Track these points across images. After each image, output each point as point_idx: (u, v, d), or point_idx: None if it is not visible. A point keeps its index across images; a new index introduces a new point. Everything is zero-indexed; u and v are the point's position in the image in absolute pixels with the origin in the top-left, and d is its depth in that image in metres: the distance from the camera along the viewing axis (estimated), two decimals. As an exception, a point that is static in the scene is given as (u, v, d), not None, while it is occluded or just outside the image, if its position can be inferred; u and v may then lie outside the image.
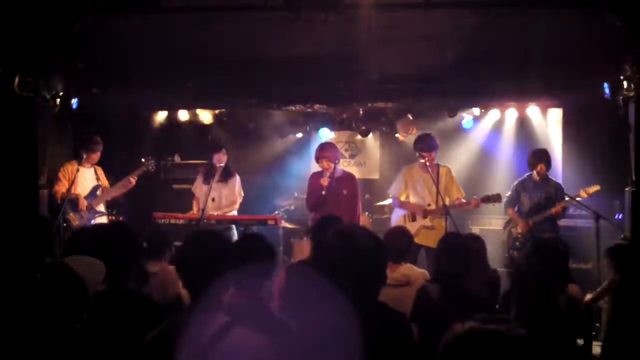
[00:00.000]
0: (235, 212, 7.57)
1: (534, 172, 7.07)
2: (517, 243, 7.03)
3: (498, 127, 9.20)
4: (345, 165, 9.40)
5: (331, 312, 2.34)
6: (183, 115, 8.98)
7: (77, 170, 7.19)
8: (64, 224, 6.89)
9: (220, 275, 2.60)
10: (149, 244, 4.74)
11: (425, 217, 6.82)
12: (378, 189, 9.61)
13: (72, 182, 7.13)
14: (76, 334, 2.24)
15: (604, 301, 4.88)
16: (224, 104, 8.69)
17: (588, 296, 4.88)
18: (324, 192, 6.69)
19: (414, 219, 6.89)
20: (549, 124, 9.03)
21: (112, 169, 7.93)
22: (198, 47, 6.44)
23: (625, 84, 6.04)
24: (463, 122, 8.95)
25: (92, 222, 7.20)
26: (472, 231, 8.13)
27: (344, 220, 6.11)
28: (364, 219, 8.34)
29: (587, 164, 7.94)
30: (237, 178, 7.64)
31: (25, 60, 5.87)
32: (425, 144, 6.85)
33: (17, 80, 5.83)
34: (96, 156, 7.45)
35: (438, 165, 6.86)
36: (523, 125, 9.02)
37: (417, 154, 6.84)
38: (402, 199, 7.08)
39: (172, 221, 7.24)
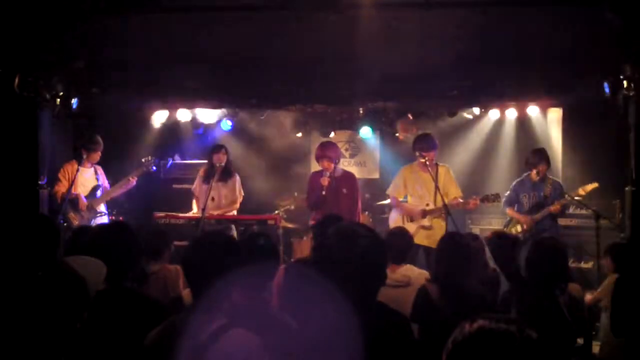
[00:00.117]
0: (235, 212, 7.58)
1: (534, 171, 7.06)
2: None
3: (498, 126, 9.20)
4: (346, 165, 9.40)
5: (331, 311, 2.33)
6: (183, 114, 8.98)
7: (77, 170, 7.19)
8: (64, 224, 6.90)
9: (224, 275, 2.60)
10: (148, 244, 4.75)
11: (423, 217, 6.81)
12: (378, 188, 9.60)
13: (72, 182, 7.13)
14: (77, 333, 2.24)
15: (604, 299, 4.88)
16: (224, 103, 8.69)
17: (588, 296, 4.88)
18: (324, 192, 6.69)
19: (412, 219, 6.89)
20: (549, 123, 9.04)
21: (112, 168, 7.93)
22: (198, 46, 6.43)
23: (625, 83, 6.04)
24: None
25: (93, 222, 7.20)
26: (472, 231, 8.14)
27: (345, 219, 6.13)
28: (364, 219, 8.34)
29: (587, 163, 7.94)
30: (237, 178, 7.65)
31: (25, 60, 5.88)
32: (425, 144, 6.86)
33: (17, 80, 5.84)
34: (97, 155, 7.45)
35: (437, 165, 6.87)
36: (523, 124, 9.03)
37: (417, 154, 6.84)
38: (401, 198, 7.09)
39: (172, 221, 7.25)
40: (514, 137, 9.13)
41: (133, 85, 7.40)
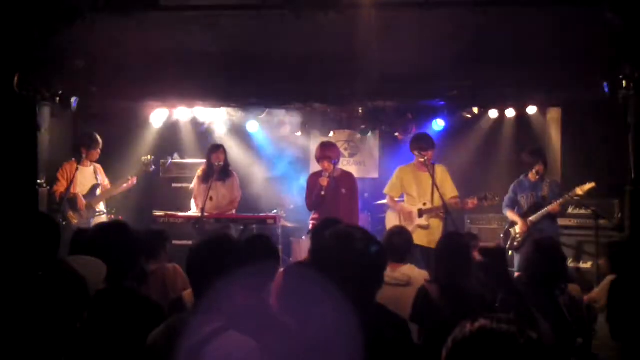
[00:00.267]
0: (234, 211, 7.58)
1: (533, 171, 7.06)
2: (515, 243, 7.03)
3: (497, 126, 9.20)
4: (345, 164, 9.40)
5: (329, 313, 2.34)
6: (182, 113, 8.98)
7: (76, 170, 7.19)
8: (64, 223, 6.90)
9: (225, 276, 2.60)
10: (145, 244, 4.75)
11: (420, 216, 6.81)
12: (377, 188, 9.60)
13: (71, 182, 7.13)
14: (77, 333, 2.24)
15: (602, 299, 4.88)
16: (224, 102, 8.68)
17: (585, 297, 4.88)
18: (323, 192, 6.69)
19: (405, 218, 6.88)
20: (548, 123, 9.04)
21: (112, 168, 7.93)
22: (197, 45, 6.43)
23: (624, 83, 6.04)
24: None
25: (92, 221, 7.20)
26: (471, 231, 8.15)
27: (343, 221, 6.13)
28: (363, 218, 8.34)
29: (586, 163, 7.95)
30: (236, 177, 7.66)
31: (24, 59, 5.86)
32: (423, 143, 6.86)
33: (16, 79, 5.82)
34: (96, 154, 7.45)
35: (434, 165, 6.86)
36: (522, 124, 9.03)
37: (417, 153, 6.84)
38: (397, 198, 7.09)
39: (172, 220, 7.25)
40: (513, 137, 9.13)
41: (132, 84, 7.39)
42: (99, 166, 7.62)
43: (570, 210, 7.38)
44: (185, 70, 7.10)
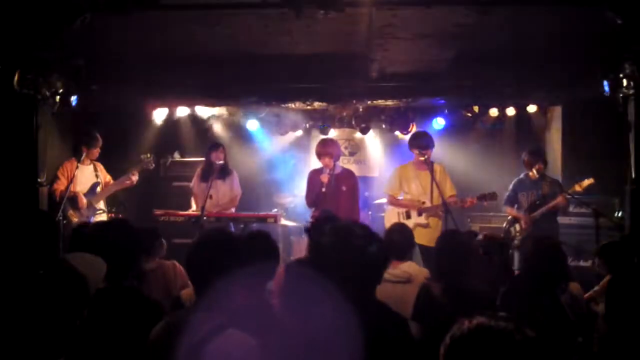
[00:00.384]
0: (233, 210, 7.58)
1: (534, 170, 7.06)
2: (515, 242, 7.04)
3: (498, 125, 9.20)
4: (345, 163, 9.40)
5: (330, 311, 2.34)
6: (182, 112, 8.98)
7: (77, 168, 7.19)
8: (64, 222, 6.90)
9: (225, 274, 2.60)
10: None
11: (419, 214, 6.81)
12: (377, 186, 9.61)
13: (71, 180, 7.13)
14: (77, 330, 2.25)
15: (600, 300, 4.88)
16: (223, 101, 8.68)
17: (585, 295, 4.88)
18: (323, 189, 6.68)
19: (408, 217, 6.88)
20: (548, 122, 9.04)
21: (112, 166, 7.93)
22: (197, 44, 6.43)
23: (624, 82, 6.04)
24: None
25: (92, 219, 7.20)
26: (472, 229, 8.15)
27: (342, 218, 6.13)
28: (363, 217, 8.34)
29: (587, 162, 7.94)
30: (235, 175, 7.66)
31: (25, 57, 5.87)
32: (423, 141, 6.86)
33: (16, 77, 5.83)
34: (96, 152, 7.46)
35: (432, 163, 6.85)
36: (523, 123, 9.03)
37: (417, 152, 6.82)
38: (397, 197, 7.08)
39: (172, 218, 7.26)
40: (514, 136, 9.13)
41: (132, 82, 7.39)
42: (99, 164, 7.62)
43: (570, 208, 7.38)
44: (186, 69, 7.10)
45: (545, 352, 1.56)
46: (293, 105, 8.80)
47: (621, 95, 6.17)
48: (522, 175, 7.27)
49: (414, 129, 8.70)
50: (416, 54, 6.62)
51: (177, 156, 9.23)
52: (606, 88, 6.36)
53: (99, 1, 5.36)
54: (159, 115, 8.97)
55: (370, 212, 9.03)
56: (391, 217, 7.02)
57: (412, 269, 4.56)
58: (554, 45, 6.28)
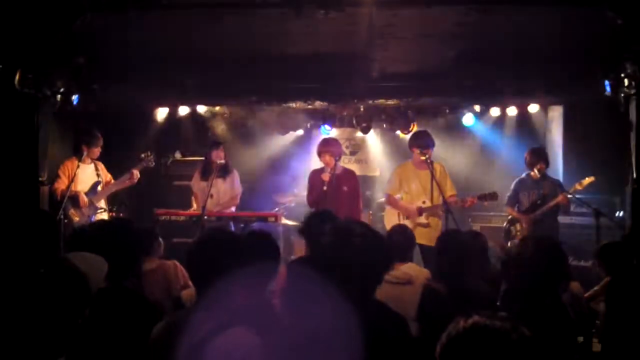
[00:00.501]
0: (234, 208, 7.58)
1: (535, 169, 7.06)
2: (516, 241, 7.03)
3: (499, 124, 9.20)
4: (346, 162, 9.40)
5: (331, 310, 2.34)
6: (183, 111, 8.98)
7: (78, 167, 7.19)
8: (65, 221, 6.90)
9: (226, 273, 2.60)
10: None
11: (420, 214, 6.80)
12: (378, 185, 9.61)
13: (72, 179, 7.13)
14: (78, 330, 2.25)
15: (600, 299, 4.88)
16: (224, 100, 8.69)
17: (585, 295, 4.89)
18: (325, 188, 6.68)
19: (408, 217, 6.86)
20: (549, 121, 9.03)
21: (113, 165, 7.93)
22: (198, 43, 6.43)
23: (626, 81, 6.04)
24: (464, 119, 8.91)
25: (93, 218, 7.21)
26: (472, 228, 8.15)
27: (336, 215, 6.13)
28: (364, 217, 8.34)
29: (588, 161, 7.94)
30: (236, 174, 7.66)
31: (26, 56, 5.87)
32: (424, 141, 6.84)
33: (17, 76, 5.83)
34: (97, 150, 7.45)
35: (432, 162, 6.82)
36: (524, 122, 9.02)
37: (418, 151, 6.79)
38: (396, 196, 7.06)
39: (173, 218, 7.26)
40: (515, 135, 9.12)
41: (134, 81, 7.40)
42: (100, 163, 7.62)
43: (571, 208, 7.38)
44: (186, 68, 7.10)
45: (541, 351, 1.56)
46: (294, 105, 8.80)
47: (622, 95, 6.17)
48: (523, 175, 7.27)
49: (414, 128, 8.69)
50: (417, 54, 6.63)
51: (178, 155, 9.23)
52: (607, 88, 6.36)
53: (99, 1, 5.37)
54: (160, 114, 8.97)
55: (371, 212, 9.02)
56: (391, 216, 7.00)
57: (413, 270, 4.55)
58: (554, 45, 6.28)
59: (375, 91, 8.03)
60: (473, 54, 6.50)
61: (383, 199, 8.76)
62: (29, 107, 6.18)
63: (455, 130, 9.22)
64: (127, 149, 8.70)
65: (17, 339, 2.07)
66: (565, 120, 8.86)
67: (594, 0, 5.37)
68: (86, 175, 7.41)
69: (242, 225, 7.28)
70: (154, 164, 7.81)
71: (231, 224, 7.32)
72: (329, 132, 9.32)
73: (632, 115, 6.16)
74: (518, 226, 7.06)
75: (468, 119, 8.90)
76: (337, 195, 6.73)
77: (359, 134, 9.73)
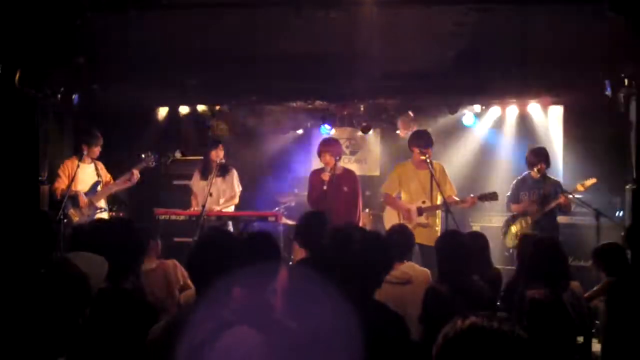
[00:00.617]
0: (233, 207, 7.57)
1: (534, 169, 7.06)
2: (516, 241, 7.03)
3: (499, 124, 9.19)
4: (346, 162, 9.39)
5: (332, 311, 2.34)
6: (183, 110, 8.98)
7: (78, 167, 7.19)
8: (65, 220, 6.90)
9: (228, 273, 2.60)
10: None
11: (420, 214, 6.78)
12: (378, 185, 9.60)
13: (72, 179, 7.13)
14: (79, 330, 2.25)
15: (599, 300, 4.88)
16: (224, 100, 8.68)
17: (585, 295, 4.88)
18: (325, 187, 6.68)
19: (407, 218, 6.85)
20: (550, 121, 9.03)
21: (113, 165, 7.93)
22: (198, 43, 6.43)
23: (626, 81, 6.05)
24: (464, 119, 8.91)
25: (93, 218, 7.20)
26: (472, 228, 8.14)
27: (335, 215, 6.13)
28: (364, 217, 8.33)
29: (588, 161, 7.94)
30: (235, 173, 7.65)
31: (26, 56, 5.87)
32: (424, 140, 6.82)
33: (18, 76, 5.83)
34: (97, 150, 7.45)
35: (432, 162, 6.80)
36: (524, 122, 9.01)
37: (418, 151, 6.77)
38: (393, 195, 7.05)
39: (173, 217, 7.24)
40: (515, 135, 9.12)
41: (134, 81, 7.40)
42: (100, 163, 7.61)
43: (572, 208, 7.38)
44: (187, 68, 7.10)
45: (538, 353, 1.56)
46: (294, 104, 8.79)
47: (622, 95, 6.18)
48: (524, 174, 7.27)
49: (414, 128, 8.68)
50: (417, 54, 6.62)
51: (177, 155, 9.23)
52: (608, 88, 6.36)
53: (99, 1, 5.37)
54: (160, 114, 8.97)
55: (371, 211, 9.01)
56: (391, 216, 6.99)
57: (412, 270, 4.55)
58: (555, 44, 6.29)
59: (375, 91, 8.03)
60: (473, 54, 6.50)
61: (382, 199, 8.79)
62: (29, 107, 6.18)
63: (455, 130, 9.21)
64: (127, 149, 8.69)
65: (17, 338, 2.07)
66: (565, 121, 8.86)
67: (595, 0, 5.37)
68: (86, 175, 7.41)
69: (242, 224, 7.27)
70: (154, 164, 7.81)
71: (230, 223, 7.31)
72: (329, 131, 9.33)
73: (632, 116, 6.16)
74: (518, 225, 7.05)
75: (468, 119, 8.90)
76: (337, 195, 6.73)
77: (359, 133, 9.73)
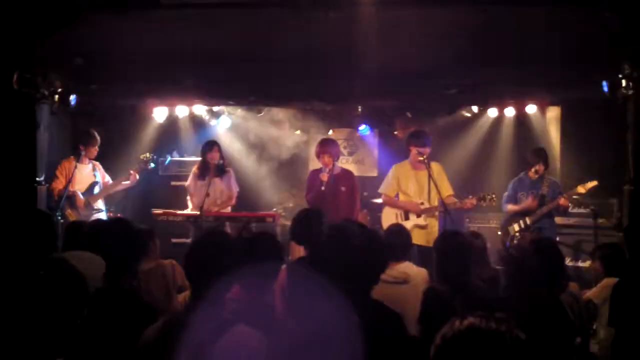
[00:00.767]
0: (229, 209, 7.56)
1: (532, 170, 7.06)
2: (514, 241, 7.03)
3: (497, 125, 9.20)
4: (344, 163, 9.39)
5: (332, 309, 2.34)
6: (181, 111, 8.97)
7: (75, 167, 7.19)
8: (62, 221, 6.89)
9: (227, 273, 2.60)
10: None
11: (419, 215, 6.77)
12: (376, 186, 9.59)
13: (69, 179, 7.12)
14: (77, 330, 2.25)
15: (598, 300, 4.89)
16: (223, 100, 8.68)
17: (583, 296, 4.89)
18: (323, 188, 6.69)
19: (406, 218, 6.83)
20: (547, 122, 9.04)
21: (110, 165, 7.93)
22: (196, 43, 6.43)
23: (623, 82, 6.05)
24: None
25: (91, 219, 7.19)
26: (470, 229, 8.14)
27: (333, 215, 6.14)
28: (362, 217, 8.34)
29: (585, 162, 7.95)
30: (232, 173, 7.65)
31: (24, 56, 5.87)
32: (421, 140, 6.80)
33: (15, 76, 5.83)
34: (94, 150, 7.45)
35: (429, 162, 6.78)
36: (521, 123, 9.02)
37: (416, 151, 6.75)
38: (392, 196, 7.04)
39: (171, 218, 7.24)
40: (513, 136, 9.12)
41: (131, 82, 7.40)
42: (97, 163, 7.61)
43: (569, 208, 7.39)
44: (185, 68, 7.10)
45: (535, 354, 1.56)
46: (292, 105, 8.79)
47: (620, 95, 6.18)
48: (521, 175, 7.27)
49: (412, 128, 8.68)
50: (415, 53, 6.61)
51: (175, 155, 9.22)
52: (605, 88, 6.36)
53: (98, 0, 5.37)
54: (158, 114, 8.96)
55: (368, 212, 9.01)
56: (389, 217, 6.97)
57: (410, 269, 4.55)
58: (553, 45, 6.29)
59: (373, 91, 8.03)
60: (471, 53, 6.50)
61: (380, 199, 8.78)
62: (27, 107, 6.18)
63: (454, 130, 9.21)
64: (125, 149, 8.69)
65: (16, 338, 2.07)
66: (563, 121, 8.86)
67: (593, 0, 5.38)
68: (84, 175, 7.41)
69: (240, 225, 7.26)
70: (153, 165, 7.80)
71: (226, 224, 7.31)
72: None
73: (630, 116, 6.17)
74: (516, 226, 7.06)
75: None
76: (336, 196, 6.74)
77: (357, 134, 9.72)
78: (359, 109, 8.94)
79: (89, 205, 7.33)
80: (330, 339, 2.27)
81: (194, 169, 7.66)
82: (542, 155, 7.12)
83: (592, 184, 6.84)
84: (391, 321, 2.63)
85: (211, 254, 2.69)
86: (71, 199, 7.19)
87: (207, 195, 7.07)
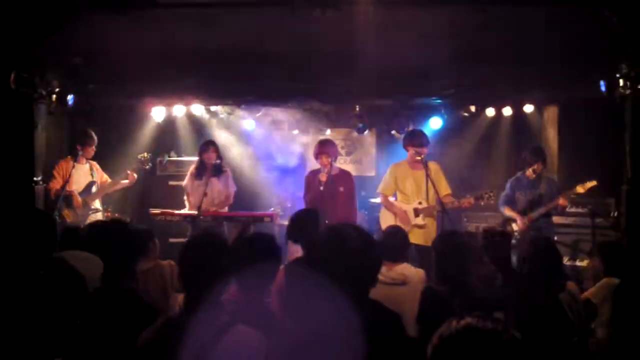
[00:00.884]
0: (226, 208, 7.56)
1: (530, 169, 7.07)
2: (513, 241, 7.02)
3: (494, 124, 9.20)
4: (342, 163, 9.39)
5: (331, 310, 2.34)
6: (179, 111, 8.96)
7: (72, 167, 7.18)
8: (59, 220, 6.88)
9: (223, 274, 2.59)
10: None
11: (416, 215, 6.77)
12: (374, 186, 9.58)
13: (66, 179, 7.12)
14: (75, 330, 2.24)
15: (596, 299, 4.89)
16: (221, 100, 8.67)
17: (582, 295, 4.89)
18: (321, 188, 6.69)
19: (402, 221, 6.83)
20: (545, 121, 9.05)
21: (108, 165, 7.92)
22: (195, 43, 6.42)
23: (621, 82, 6.05)
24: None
25: (87, 218, 7.19)
26: (468, 228, 8.15)
27: (332, 215, 6.14)
28: (360, 217, 8.33)
29: (583, 161, 7.95)
30: (229, 173, 7.64)
31: (21, 56, 5.85)
32: (419, 140, 6.80)
33: (13, 76, 5.81)
34: (91, 150, 7.45)
35: (427, 162, 6.77)
36: (519, 122, 9.03)
37: (414, 151, 6.75)
38: (390, 196, 7.04)
39: (168, 218, 7.24)
40: (510, 135, 9.13)
41: (129, 81, 7.39)
42: (95, 163, 7.61)
43: (567, 208, 7.39)
44: (182, 68, 7.09)
45: (532, 354, 1.56)
46: (290, 104, 8.79)
47: (618, 95, 6.18)
48: (519, 174, 7.26)
49: (410, 127, 8.68)
50: (413, 53, 6.61)
51: (173, 155, 9.22)
52: (603, 88, 6.36)
53: (96, 0, 5.36)
54: (156, 114, 8.95)
55: (366, 212, 9.01)
56: (387, 217, 6.97)
57: (408, 270, 4.55)
58: (551, 44, 6.30)
59: (371, 91, 8.03)
60: (470, 53, 6.50)
61: (378, 199, 8.77)
62: (24, 107, 6.16)
63: (451, 130, 9.21)
64: (122, 149, 8.68)
65: (15, 339, 2.06)
66: (560, 121, 8.87)
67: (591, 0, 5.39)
68: (81, 175, 7.40)
69: (240, 226, 7.26)
70: (150, 165, 7.80)
71: (224, 223, 7.30)
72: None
73: (627, 116, 6.17)
74: (515, 226, 7.06)
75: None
76: (334, 196, 6.74)
77: (355, 134, 9.73)
78: (357, 109, 8.93)
79: (86, 205, 7.32)
80: (330, 339, 2.27)
81: (192, 168, 7.65)
82: (540, 154, 7.12)
83: (592, 183, 6.84)
84: (390, 321, 2.63)
85: (207, 254, 2.68)
86: (68, 199, 7.18)
87: (205, 195, 7.06)
